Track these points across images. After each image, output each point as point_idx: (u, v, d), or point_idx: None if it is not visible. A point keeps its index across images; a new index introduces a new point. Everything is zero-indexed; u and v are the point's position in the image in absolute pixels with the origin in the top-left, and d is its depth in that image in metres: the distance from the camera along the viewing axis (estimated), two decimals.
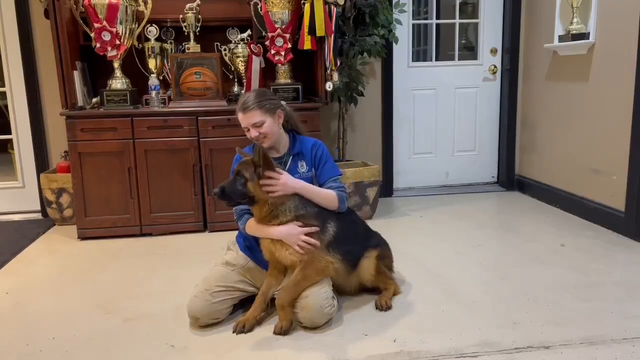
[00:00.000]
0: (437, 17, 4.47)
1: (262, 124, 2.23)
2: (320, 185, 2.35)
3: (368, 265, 2.37)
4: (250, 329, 2.15)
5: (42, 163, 3.99)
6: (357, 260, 2.36)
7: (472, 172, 4.66)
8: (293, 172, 2.32)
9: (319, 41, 3.46)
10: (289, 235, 2.15)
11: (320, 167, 2.37)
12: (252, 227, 2.25)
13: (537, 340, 2.03)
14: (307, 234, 2.16)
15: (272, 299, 2.24)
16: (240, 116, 2.27)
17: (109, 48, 3.39)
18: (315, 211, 2.22)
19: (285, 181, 2.17)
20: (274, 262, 2.24)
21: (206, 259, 2.94)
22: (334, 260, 2.22)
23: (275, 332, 2.13)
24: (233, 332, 2.14)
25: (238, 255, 2.35)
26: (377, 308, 2.33)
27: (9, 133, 4.02)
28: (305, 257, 2.15)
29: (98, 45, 3.37)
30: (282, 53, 3.52)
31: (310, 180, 2.36)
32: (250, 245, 2.34)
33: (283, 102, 2.38)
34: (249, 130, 2.27)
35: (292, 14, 3.51)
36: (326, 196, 2.28)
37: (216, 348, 2.04)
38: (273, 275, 2.26)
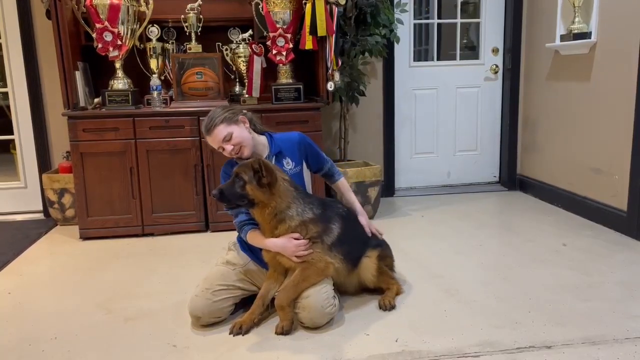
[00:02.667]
0: (439, 17, 4.47)
1: (230, 136, 2.22)
2: (317, 171, 2.51)
3: (369, 266, 2.37)
4: (247, 331, 2.14)
5: (44, 163, 3.99)
6: (357, 260, 2.36)
7: (474, 171, 4.66)
8: None
9: (321, 41, 3.46)
10: (284, 249, 2.15)
11: (314, 156, 2.46)
12: (252, 237, 2.25)
13: (538, 340, 2.03)
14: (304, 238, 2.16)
15: (273, 300, 2.23)
16: (209, 140, 2.26)
17: (111, 48, 3.39)
18: (320, 213, 2.21)
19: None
20: (274, 264, 2.24)
21: (208, 259, 2.95)
22: (335, 261, 2.22)
23: (277, 333, 2.13)
24: (229, 334, 2.13)
25: (239, 255, 2.35)
26: (380, 308, 2.33)
27: (11, 133, 4.03)
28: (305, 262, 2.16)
29: (100, 45, 3.38)
30: (284, 53, 3.52)
31: (298, 175, 2.35)
32: (251, 246, 2.33)
33: (243, 109, 2.38)
34: (223, 149, 2.25)
35: (294, 14, 3.51)
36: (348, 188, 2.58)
37: (218, 348, 2.05)
38: (273, 278, 2.25)
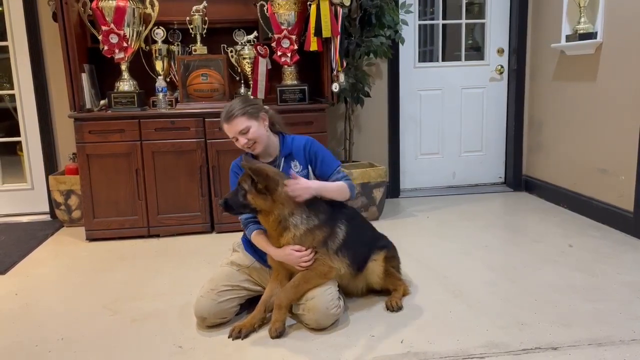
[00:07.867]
0: (444, 18, 4.46)
1: (248, 130, 2.22)
2: (321, 178, 2.33)
3: (376, 268, 2.36)
4: (246, 336, 2.13)
5: (50, 165, 4.02)
6: (363, 263, 2.35)
7: (479, 172, 4.65)
8: (287, 173, 2.29)
9: (325, 42, 3.46)
10: (287, 260, 2.15)
11: (319, 162, 2.34)
12: (256, 239, 2.25)
13: (544, 342, 2.03)
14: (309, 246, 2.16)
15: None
16: (225, 127, 2.25)
17: (117, 50, 3.41)
18: (325, 218, 2.20)
19: (305, 185, 2.16)
20: (278, 267, 2.24)
21: (213, 260, 2.95)
22: (341, 266, 2.22)
23: (272, 336, 2.11)
24: (229, 337, 2.13)
25: (244, 256, 2.36)
26: (388, 309, 2.33)
27: (18, 135, 4.05)
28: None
29: (106, 47, 3.40)
30: (289, 54, 3.53)
31: (306, 178, 2.33)
32: (255, 246, 2.32)
33: (266, 106, 2.37)
34: (237, 139, 2.25)
35: (298, 15, 3.51)
36: (340, 190, 2.29)
37: (223, 349, 2.05)
38: (276, 282, 2.25)
